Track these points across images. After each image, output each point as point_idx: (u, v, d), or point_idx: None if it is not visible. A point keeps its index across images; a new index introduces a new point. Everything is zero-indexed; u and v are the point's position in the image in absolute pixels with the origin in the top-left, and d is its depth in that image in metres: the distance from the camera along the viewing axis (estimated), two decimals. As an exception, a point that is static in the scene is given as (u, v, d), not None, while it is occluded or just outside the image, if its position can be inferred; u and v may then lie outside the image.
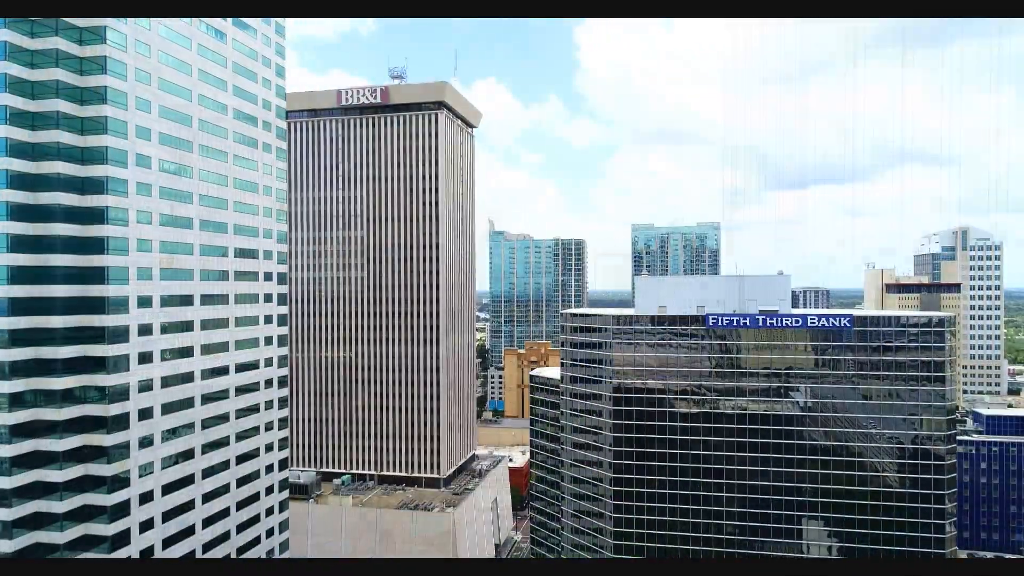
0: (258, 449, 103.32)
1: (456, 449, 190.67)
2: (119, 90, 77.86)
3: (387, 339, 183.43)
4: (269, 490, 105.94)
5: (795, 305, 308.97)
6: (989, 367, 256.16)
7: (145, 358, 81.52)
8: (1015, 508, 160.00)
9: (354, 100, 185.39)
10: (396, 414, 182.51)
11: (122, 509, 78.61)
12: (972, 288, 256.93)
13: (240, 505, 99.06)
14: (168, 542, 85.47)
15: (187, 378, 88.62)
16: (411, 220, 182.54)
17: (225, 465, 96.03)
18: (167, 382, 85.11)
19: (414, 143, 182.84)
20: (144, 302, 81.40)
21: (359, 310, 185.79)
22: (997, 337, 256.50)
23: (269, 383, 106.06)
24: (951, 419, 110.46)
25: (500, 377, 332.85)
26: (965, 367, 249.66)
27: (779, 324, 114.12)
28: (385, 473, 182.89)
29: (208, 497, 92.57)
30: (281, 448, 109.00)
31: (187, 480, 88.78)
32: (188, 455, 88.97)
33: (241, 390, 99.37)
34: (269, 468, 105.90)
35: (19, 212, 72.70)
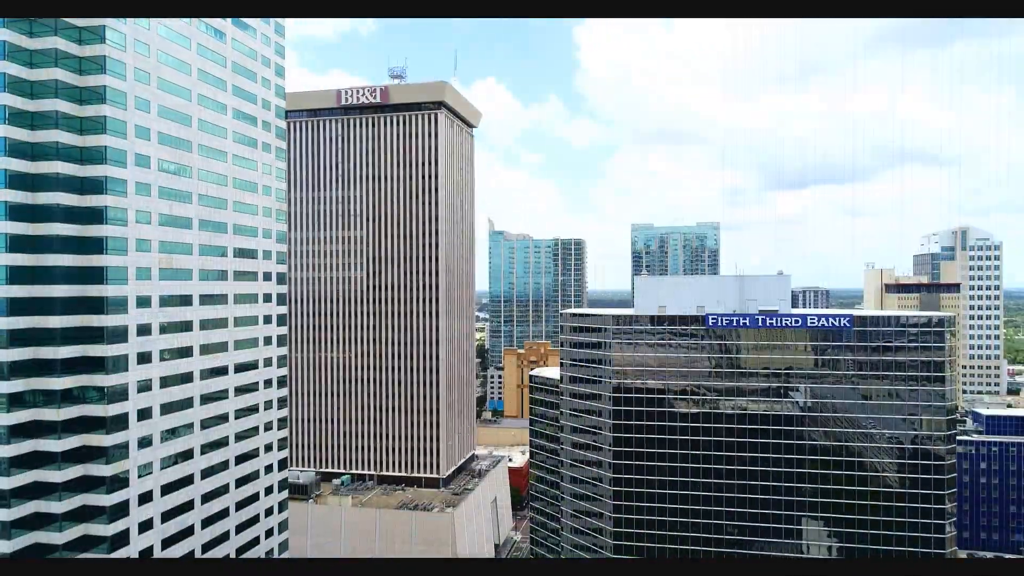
0: (257, 449, 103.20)
1: (455, 449, 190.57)
2: (118, 90, 77.73)
3: (387, 339, 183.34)
4: (268, 490, 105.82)
5: (795, 305, 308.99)
6: (989, 367, 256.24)
7: (144, 358, 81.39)
8: (1015, 508, 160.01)
9: (354, 100, 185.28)
10: (395, 414, 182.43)
11: (121, 509, 78.47)
12: (972, 288, 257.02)
13: (239, 505, 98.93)
14: (167, 542, 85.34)
15: (186, 378, 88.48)
16: (411, 220, 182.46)
17: (224, 465, 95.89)
18: (166, 382, 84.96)
19: (414, 143, 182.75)
20: (143, 302, 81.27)
21: (359, 310, 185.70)
22: (996, 337, 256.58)
23: (268, 383, 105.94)
24: (951, 419, 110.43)
25: (500, 377, 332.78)
26: (965, 367, 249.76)
27: (779, 324, 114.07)
28: (384, 473, 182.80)
29: (207, 497, 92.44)
30: (280, 448, 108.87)
31: (186, 480, 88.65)
32: (187, 455, 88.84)
33: (240, 390, 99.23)
34: (268, 468, 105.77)
35: (18, 212, 72.57)
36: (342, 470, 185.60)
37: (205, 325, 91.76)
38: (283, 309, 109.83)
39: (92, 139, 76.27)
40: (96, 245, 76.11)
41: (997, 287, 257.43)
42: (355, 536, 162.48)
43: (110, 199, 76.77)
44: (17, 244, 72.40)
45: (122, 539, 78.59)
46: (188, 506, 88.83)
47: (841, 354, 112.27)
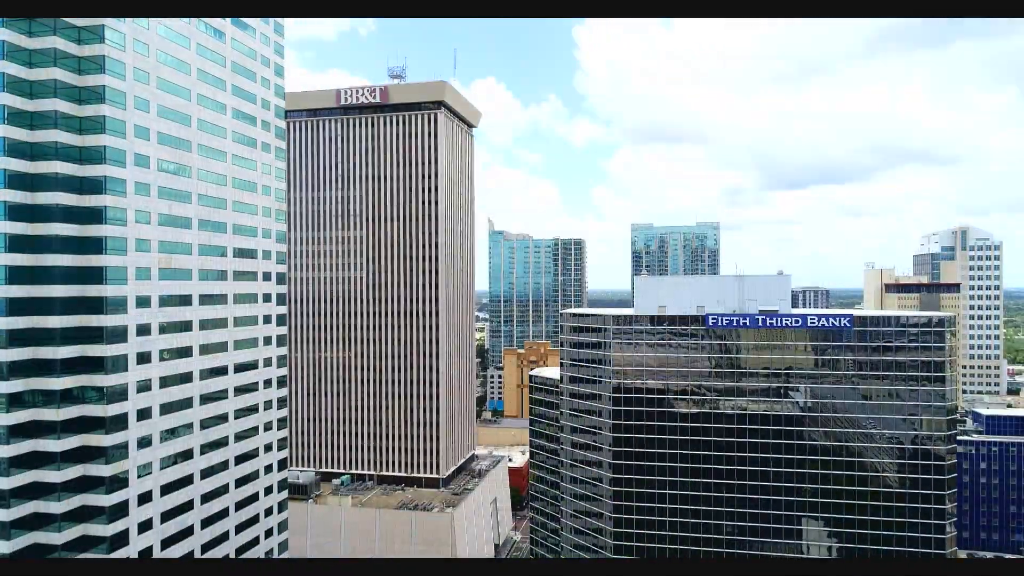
0: (257, 449, 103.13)
1: (455, 449, 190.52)
2: (118, 89, 77.65)
3: (386, 339, 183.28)
4: (268, 490, 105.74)
5: (795, 305, 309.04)
6: (988, 367, 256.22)
7: (144, 358, 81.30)
8: (1015, 508, 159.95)
9: (353, 100, 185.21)
10: (395, 414, 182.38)
11: (121, 510, 78.39)
12: (971, 288, 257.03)
13: (239, 505, 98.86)
14: (167, 543, 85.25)
15: (186, 378, 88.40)
16: (410, 220, 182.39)
17: (224, 465, 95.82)
18: (166, 382, 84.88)
19: (413, 143, 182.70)
20: (143, 302, 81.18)
21: (358, 310, 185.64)
22: (996, 337, 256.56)
23: (268, 383, 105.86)
24: (951, 419, 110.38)
25: (500, 377, 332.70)
26: (964, 367, 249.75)
27: (779, 324, 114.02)
28: (384, 473, 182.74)
29: (207, 497, 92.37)
30: (280, 448, 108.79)
31: (186, 480, 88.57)
32: (187, 455, 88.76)
33: (240, 390, 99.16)
34: (268, 468, 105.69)
35: (17, 212, 72.48)
36: (342, 470, 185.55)
37: (205, 325, 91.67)
38: (283, 309, 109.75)
39: (91, 139, 76.20)
40: (95, 245, 76.03)
41: (997, 287, 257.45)
42: (355, 536, 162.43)
43: (109, 199, 76.69)
44: (16, 244, 72.32)
45: (121, 539, 78.51)
46: (188, 506, 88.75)
47: (841, 354, 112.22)
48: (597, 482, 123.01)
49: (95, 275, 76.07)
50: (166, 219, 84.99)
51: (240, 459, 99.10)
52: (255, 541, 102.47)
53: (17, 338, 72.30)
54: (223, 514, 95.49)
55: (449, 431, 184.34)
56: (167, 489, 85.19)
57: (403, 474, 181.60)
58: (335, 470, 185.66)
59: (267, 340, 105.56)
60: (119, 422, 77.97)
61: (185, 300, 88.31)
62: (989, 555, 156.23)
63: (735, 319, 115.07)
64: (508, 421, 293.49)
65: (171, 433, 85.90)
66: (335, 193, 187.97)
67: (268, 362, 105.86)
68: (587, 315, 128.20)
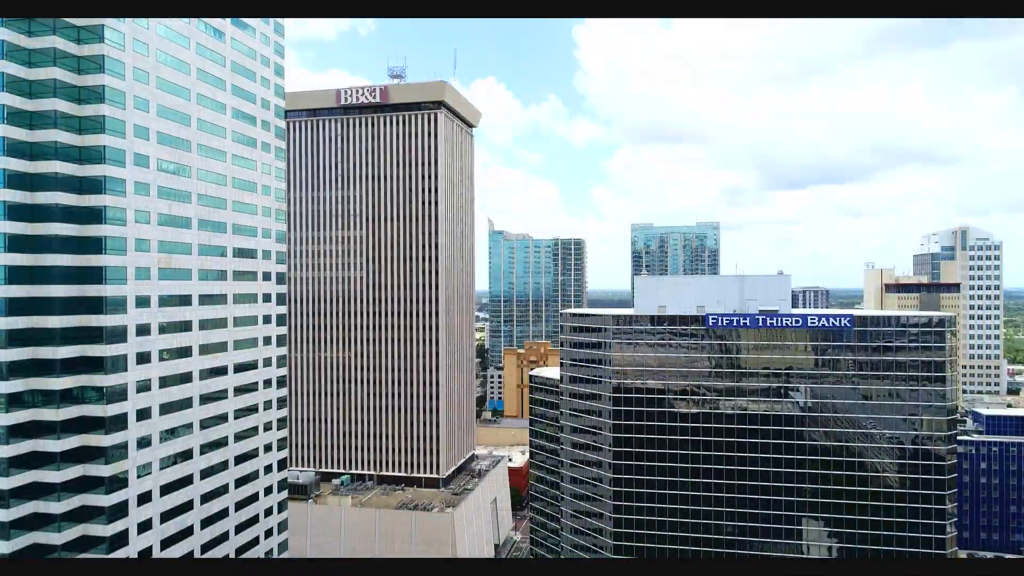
0: (257, 449, 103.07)
1: (455, 449, 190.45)
2: (117, 89, 77.58)
3: (386, 339, 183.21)
4: (268, 490, 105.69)
5: (795, 305, 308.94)
6: (988, 367, 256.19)
7: (143, 358, 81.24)
8: (1015, 508, 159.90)
9: (353, 100, 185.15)
10: (395, 414, 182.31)
11: (120, 510, 78.33)
12: (972, 288, 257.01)
13: (239, 506, 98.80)
14: (167, 543, 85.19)
15: (185, 378, 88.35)
16: (410, 220, 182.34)
17: (224, 465, 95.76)
18: (165, 382, 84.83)
19: (413, 143, 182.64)
20: (142, 302, 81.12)
21: (358, 310, 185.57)
22: (996, 337, 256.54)
23: (268, 383, 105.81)
24: (951, 419, 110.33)
25: (500, 377, 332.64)
26: (964, 367, 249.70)
27: (779, 324, 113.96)
28: (384, 473, 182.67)
29: (207, 498, 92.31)
30: (280, 448, 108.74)
31: (186, 481, 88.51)
32: (187, 455, 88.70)
33: (240, 390, 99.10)
34: (268, 468, 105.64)
35: (17, 212, 72.42)
36: (342, 470, 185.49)
37: (204, 325, 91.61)
38: (283, 309, 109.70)
39: (91, 138, 76.13)
40: (95, 245, 75.98)
41: (997, 287, 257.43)
42: (355, 536, 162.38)
43: (109, 199, 76.64)
44: (16, 244, 72.25)
45: (121, 539, 78.45)
46: (187, 506, 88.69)
47: (841, 354, 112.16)
48: (597, 482, 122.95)
49: (95, 275, 76.02)
50: (166, 219, 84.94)
51: (240, 459, 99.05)
52: (255, 541, 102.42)
53: (17, 338, 72.25)
54: (223, 514, 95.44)
55: (449, 431, 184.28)
56: (167, 489, 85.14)
57: (403, 474, 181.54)
58: (335, 470, 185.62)
59: (267, 340, 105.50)
60: (119, 422, 77.92)
61: (185, 300, 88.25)
62: (989, 555, 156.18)
63: (735, 319, 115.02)
64: (508, 421, 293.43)
65: (171, 433, 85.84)
66: (335, 193, 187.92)
67: (268, 362, 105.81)
68: (587, 315, 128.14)
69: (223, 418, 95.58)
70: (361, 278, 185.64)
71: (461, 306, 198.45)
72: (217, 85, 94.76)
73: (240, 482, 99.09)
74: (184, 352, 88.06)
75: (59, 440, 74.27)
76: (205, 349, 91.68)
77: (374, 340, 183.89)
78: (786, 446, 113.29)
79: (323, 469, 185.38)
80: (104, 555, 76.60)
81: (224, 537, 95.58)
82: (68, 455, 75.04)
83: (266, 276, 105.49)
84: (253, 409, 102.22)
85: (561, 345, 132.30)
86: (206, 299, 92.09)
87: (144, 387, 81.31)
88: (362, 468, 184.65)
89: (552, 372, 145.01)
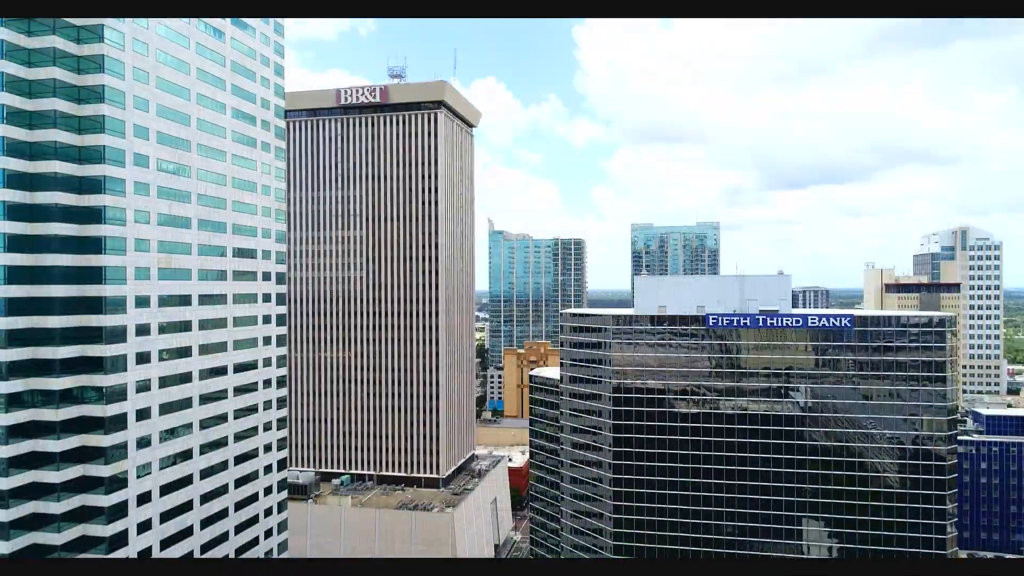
0: (257, 449, 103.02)
1: (455, 449, 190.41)
2: (117, 89, 77.52)
3: (386, 339, 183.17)
4: (268, 490, 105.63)
5: (795, 305, 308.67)
6: (988, 367, 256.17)
7: (143, 358, 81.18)
8: (1015, 508, 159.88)
9: (353, 99, 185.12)
10: (395, 414, 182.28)
11: (120, 510, 78.27)
12: (972, 288, 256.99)
13: (239, 506, 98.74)
14: (166, 543, 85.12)
15: (185, 378, 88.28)
16: (410, 219, 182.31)
17: (224, 466, 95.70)
18: (165, 382, 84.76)
19: (413, 142, 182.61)
20: (142, 302, 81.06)
21: (358, 310, 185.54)
22: (997, 337, 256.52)
23: (268, 383, 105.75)
24: (951, 419, 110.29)
25: (500, 377, 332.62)
26: (964, 367, 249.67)
27: (779, 324, 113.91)
28: (384, 473, 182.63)
29: (207, 498, 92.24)
30: (280, 448, 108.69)
31: (185, 481, 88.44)
32: (186, 455, 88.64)
33: (240, 390, 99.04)
34: (268, 468, 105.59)
35: (16, 211, 72.35)
36: (342, 470, 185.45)
37: (204, 325, 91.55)
38: (282, 309, 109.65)
39: (90, 138, 76.07)
40: (95, 245, 75.91)
41: (997, 287, 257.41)
42: (355, 536, 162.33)
43: (109, 199, 76.57)
44: (15, 244, 72.19)
45: (121, 540, 78.39)
46: (187, 506, 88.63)
47: (842, 354, 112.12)
48: (597, 482, 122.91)
49: (94, 275, 75.96)
50: (165, 219, 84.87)
51: (240, 459, 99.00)
52: (255, 541, 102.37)
53: (16, 338, 72.18)
54: (223, 514, 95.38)
55: (449, 431, 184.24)
56: (166, 489, 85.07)
57: (403, 474, 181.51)
58: (335, 470, 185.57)
59: (267, 340, 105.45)
60: (118, 422, 77.86)
61: (185, 300, 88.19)
62: (989, 555, 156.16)
63: (735, 319, 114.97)
64: (508, 421, 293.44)
65: (170, 433, 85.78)
66: (335, 193, 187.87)
67: (268, 362, 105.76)
68: (587, 315, 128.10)
69: (223, 418, 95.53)
70: (361, 278, 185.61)
71: (461, 306, 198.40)
72: (217, 85, 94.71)
73: (240, 482, 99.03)
74: (184, 352, 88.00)
75: (59, 440, 74.20)
76: (205, 349, 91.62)
77: (374, 340, 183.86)
78: (786, 446, 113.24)
79: (323, 469, 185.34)
80: (104, 555, 76.54)
81: (224, 537, 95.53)
82: (68, 455, 74.98)
83: (266, 276, 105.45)
84: (253, 409, 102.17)
85: (561, 345, 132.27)
86: (206, 299, 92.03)
87: (144, 387, 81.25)
88: (362, 468, 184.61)
89: (552, 372, 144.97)
